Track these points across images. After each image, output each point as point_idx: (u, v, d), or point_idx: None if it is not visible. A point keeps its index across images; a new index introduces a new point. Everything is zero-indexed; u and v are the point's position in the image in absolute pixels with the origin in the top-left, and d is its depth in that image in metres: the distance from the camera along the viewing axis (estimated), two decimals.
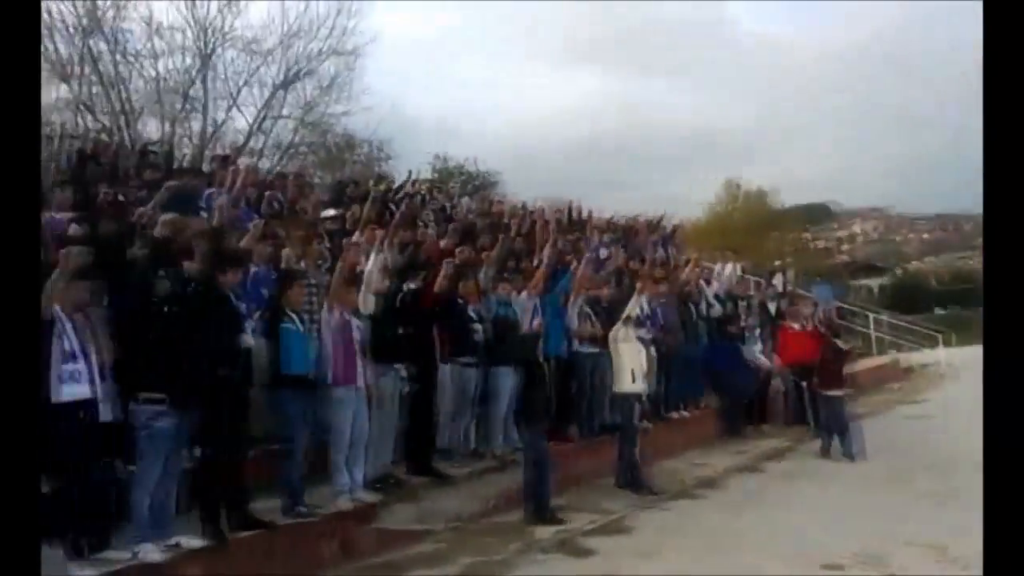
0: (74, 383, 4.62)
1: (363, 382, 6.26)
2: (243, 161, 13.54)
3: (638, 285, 9.86)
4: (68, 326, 4.69)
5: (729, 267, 13.91)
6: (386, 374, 6.58)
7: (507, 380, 7.73)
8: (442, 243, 8.98)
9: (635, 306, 8.73)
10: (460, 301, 7.65)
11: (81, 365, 4.67)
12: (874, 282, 31.75)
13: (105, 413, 4.77)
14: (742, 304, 12.50)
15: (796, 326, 12.00)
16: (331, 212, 8.82)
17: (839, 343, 10.46)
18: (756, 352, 11.65)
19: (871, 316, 20.51)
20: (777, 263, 19.39)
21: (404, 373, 6.83)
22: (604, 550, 6.37)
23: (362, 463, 6.30)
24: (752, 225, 38.02)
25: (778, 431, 11.65)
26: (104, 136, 13.33)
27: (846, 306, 22.63)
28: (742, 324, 11.66)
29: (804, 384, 11.49)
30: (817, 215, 49.09)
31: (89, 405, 4.67)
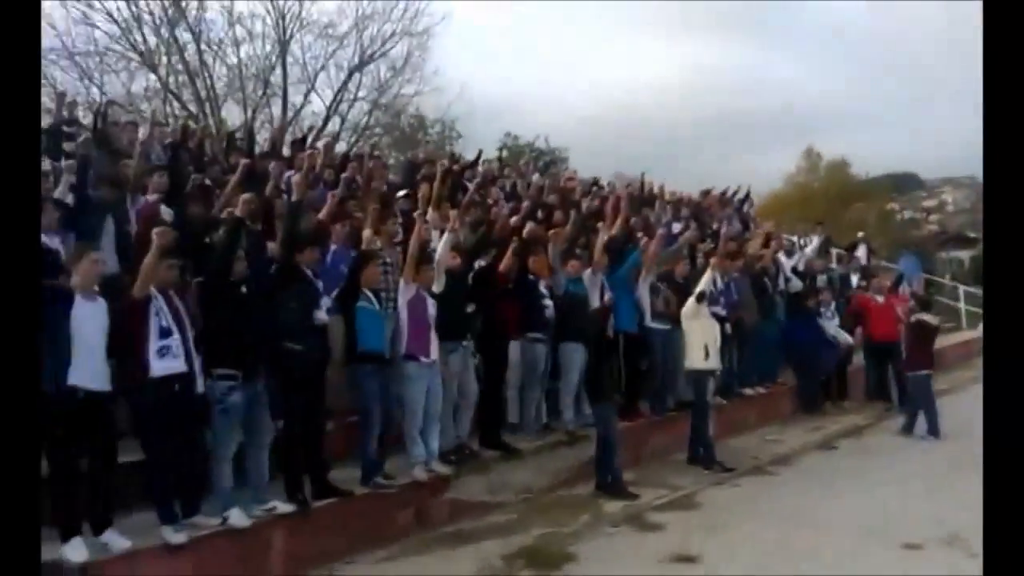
0: (170, 357, 4.88)
1: (435, 357, 6.44)
2: (320, 143, 13.89)
3: (711, 261, 9.76)
4: (163, 303, 4.95)
5: (815, 240, 13.51)
6: (456, 350, 6.73)
7: (576, 356, 7.77)
8: (513, 220, 9.05)
9: (708, 282, 8.64)
10: (531, 277, 7.72)
11: (176, 340, 4.92)
12: (964, 254, 30.19)
13: (200, 385, 5.05)
14: (822, 278, 12.17)
15: (880, 299, 11.60)
16: (402, 191, 9.00)
17: (928, 319, 10.04)
18: (836, 327, 11.33)
19: (961, 289, 19.57)
20: (860, 235, 18.64)
21: (473, 348, 6.96)
22: (673, 525, 6.41)
23: (436, 435, 6.48)
24: (833, 195, 36.75)
25: (858, 408, 11.34)
26: (191, 122, 13.88)
27: (934, 279, 21.71)
28: (821, 298, 11.35)
29: (888, 361, 11.16)
30: (904, 184, 46.79)
31: (184, 378, 4.94)
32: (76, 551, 4.38)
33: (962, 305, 19.21)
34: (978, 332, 18.75)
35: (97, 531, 4.57)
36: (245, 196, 5.50)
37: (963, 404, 10.65)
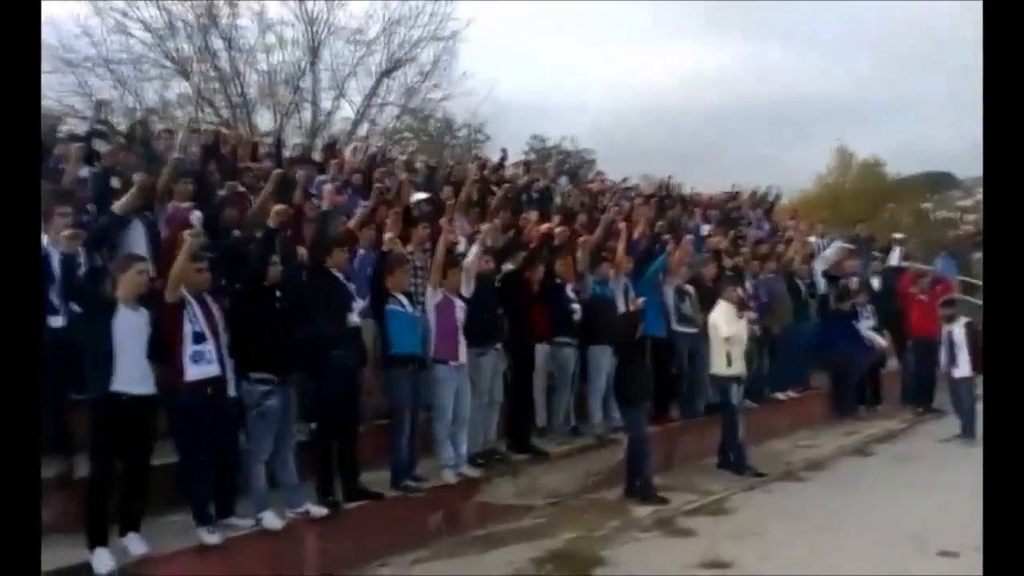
0: (204, 363, 4.96)
1: (464, 360, 6.46)
2: (349, 149, 14.02)
3: (740, 263, 9.68)
4: (197, 308, 5.03)
5: (836, 244, 13.34)
6: (485, 353, 6.75)
7: (604, 358, 7.76)
8: (541, 225, 9.05)
9: (734, 288, 8.52)
10: (558, 281, 7.72)
11: (210, 345, 5.00)
12: None
13: (231, 389, 5.13)
14: (854, 280, 11.99)
15: (924, 298, 11.40)
16: (422, 195, 9.04)
17: (970, 320, 9.82)
18: (870, 328, 11.16)
19: None
20: (895, 236, 18.32)
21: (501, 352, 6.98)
22: (703, 531, 6.36)
23: (465, 438, 6.51)
24: (866, 195, 36.15)
25: (893, 411, 11.17)
26: (224, 128, 14.09)
27: (970, 280, 21.26)
28: (856, 300, 11.19)
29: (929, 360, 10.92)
30: (939, 183, 45.83)
31: (217, 382, 5.02)
32: (102, 562, 4.45)
33: None
34: None
35: (124, 533, 4.65)
36: (277, 208, 5.56)
37: None
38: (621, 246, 8.34)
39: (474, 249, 6.83)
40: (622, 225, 8.81)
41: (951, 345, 9.86)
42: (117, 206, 6.08)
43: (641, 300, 7.80)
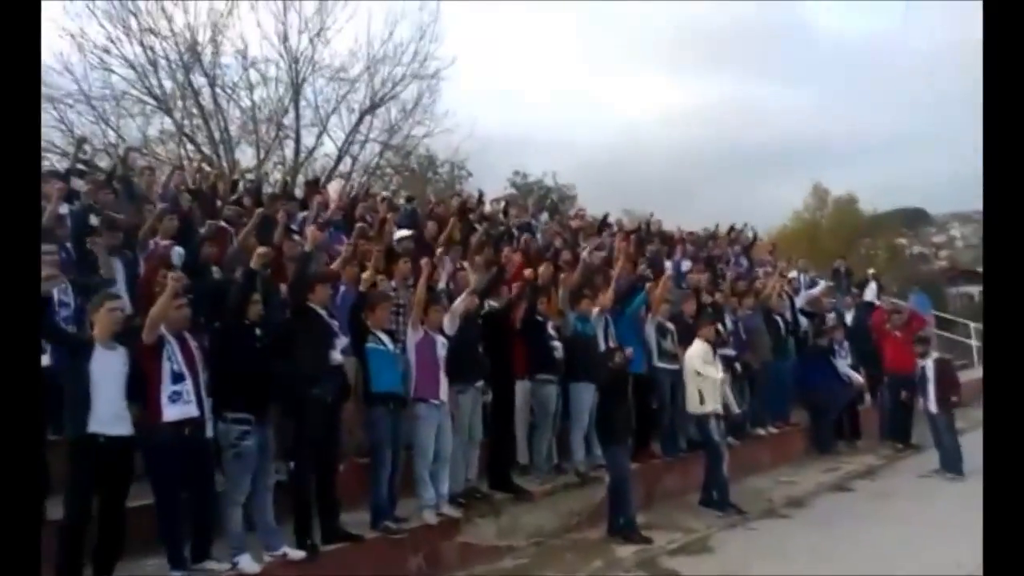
0: (181, 403, 4.91)
1: (444, 398, 6.43)
2: (332, 186, 14.07)
3: (719, 300, 9.77)
4: (176, 346, 4.99)
5: (821, 284, 13.51)
6: (465, 391, 6.72)
7: (586, 395, 7.76)
8: (524, 267, 9.10)
9: (711, 326, 8.58)
10: (539, 319, 7.74)
11: (188, 385, 4.95)
12: (974, 289, 29.99)
13: (210, 429, 5.07)
14: (831, 316, 12.13)
15: (899, 334, 11.54)
16: (404, 232, 9.09)
17: (947, 357, 9.95)
18: (847, 365, 11.27)
19: (972, 326, 19.42)
20: (870, 271, 18.60)
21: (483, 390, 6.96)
22: (687, 570, 6.32)
23: (446, 477, 6.46)
24: (842, 231, 36.74)
25: (871, 447, 11.23)
26: (205, 165, 14.09)
27: (945, 315, 21.55)
28: (833, 336, 11.31)
29: (906, 397, 11.02)
30: (913, 220, 46.81)
31: (195, 423, 4.96)
32: None
33: (974, 342, 19.04)
34: None
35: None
36: (260, 250, 5.57)
37: (979, 443, 10.50)
38: (610, 290, 8.38)
39: (464, 294, 6.85)
40: (614, 271, 8.84)
41: (924, 380, 9.97)
42: (96, 242, 6.08)
43: (628, 350, 7.77)
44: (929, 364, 9.99)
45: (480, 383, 6.91)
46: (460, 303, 6.73)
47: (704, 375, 8.16)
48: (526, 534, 6.95)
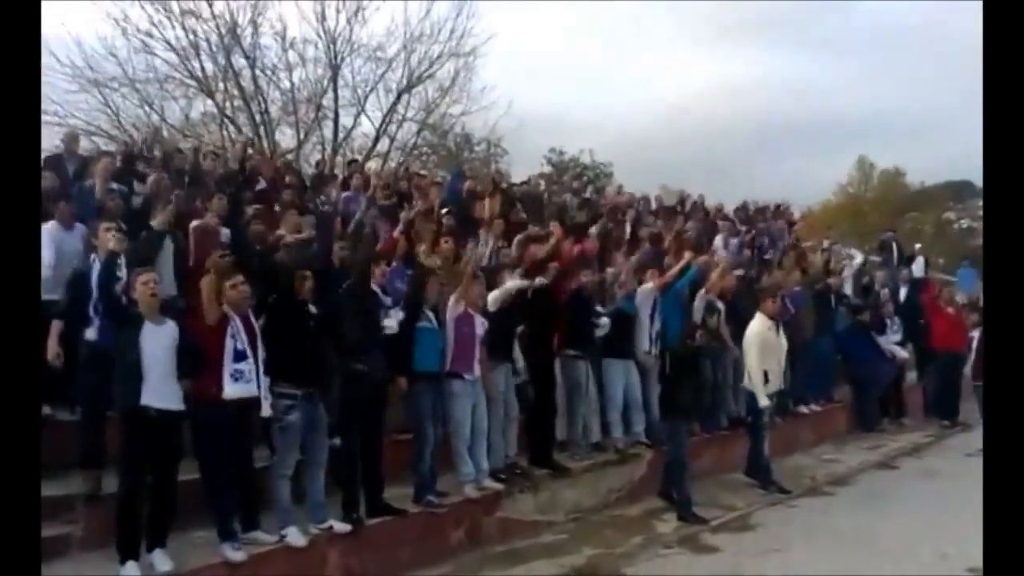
0: (243, 381, 4.99)
1: (479, 374, 6.44)
2: (371, 165, 14.15)
3: (771, 277, 9.67)
4: (240, 326, 5.06)
5: (859, 257, 13.23)
6: (496, 368, 6.72)
7: (617, 372, 7.78)
8: (556, 237, 9.09)
9: (773, 301, 8.45)
10: (583, 295, 7.71)
11: (249, 364, 5.03)
12: None
13: (266, 409, 5.15)
14: (881, 291, 11.90)
15: (951, 310, 11.28)
16: (446, 210, 9.13)
17: None
18: (892, 342, 11.06)
19: None
20: (917, 246, 18.16)
21: (518, 366, 6.97)
22: (727, 547, 6.32)
23: (484, 453, 6.51)
24: (888, 205, 35.90)
25: (917, 425, 11.04)
26: (248, 148, 14.25)
27: None
28: (883, 311, 11.10)
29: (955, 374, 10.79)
30: (961, 192, 45.35)
31: (252, 402, 5.06)
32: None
33: None
34: None
35: (150, 548, 4.70)
36: (289, 216, 5.61)
37: None
38: (676, 269, 8.39)
39: (512, 281, 6.86)
40: (688, 256, 8.77)
41: (976, 352, 9.75)
42: (156, 222, 6.23)
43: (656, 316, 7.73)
44: (977, 335, 9.74)
45: (512, 361, 6.90)
46: (502, 292, 6.71)
47: (768, 353, 7.96)
48: (565, 510, 7.01)
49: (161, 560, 4.67)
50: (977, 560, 5.65)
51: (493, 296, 6.65)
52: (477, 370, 6.42)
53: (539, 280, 7.41)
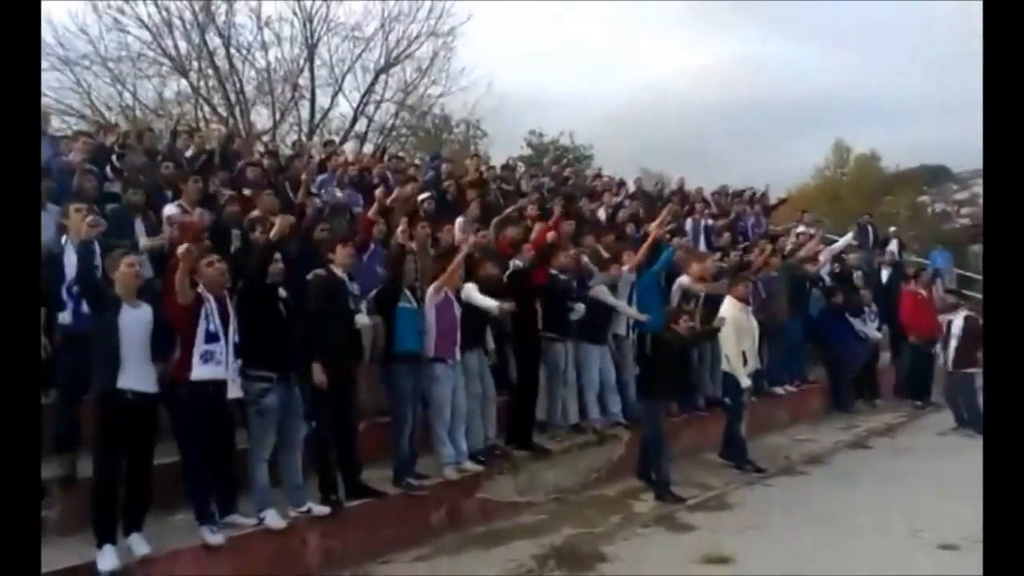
0: (212, 363, 4.93)
1: (459, 358, 6.46)
2: (348, 146, 14.03)
3: (741, 260, 9.74)
4: (214, 307, 5.00)
5: (845, 238, 13.34)
6: (471, 351, 6.70)
7: (594, 355, 7.82)
8: (532, 220, 9.09)
9: (744, 285, 8.51)
10: (562, 277, 7.72)
11: (220, 346, 4.97)
12: None
13: (234, 391, 5.07)
14: (858, 274, 12.02)
15: (923, 293, 11.44)
16: (425, 194, 9.07)
17: (973, 315, 9.81)
18: (866, 323, 11.20)
19: None
20: (892, 229, 18.37)
21: (490, 348, 6.98)
22: (704, 525, 6.40)
23: (463, 435, 6.53)
24: (864, 189, 36.24)
25: (891, 406, 11.22)
26: (222, 127, 14.09)
27: (966, 273, 21.30)
28: (862, 295, 11.23)
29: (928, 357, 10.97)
30: (935, 177, 45.85)
31: (218, 384, 4.98)
32: (107, 560, 4.47)
33: None
34: None
35: (127, 532, 4.66)
36: (281, 218, 5.55)
37: None
38: (648, 243, 8.42)
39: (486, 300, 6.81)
40: (657, 232, 8.81)
41: (948, 337, 9.87)
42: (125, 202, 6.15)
43: (684, 318, 7.71)
44: (957, 321, 9.87)
45: (485, 343, 6.90)
46: (473, 301, 6.69)
47: (743, 336, 8.06)
48: (545, 490, 7.05)
49: (138, 543, 4.63)
50: (948, 536, 5.81)
51: (467, 294, 6.62)
52: (458, 354, 6.43)
53: (514, 263, 7.41)
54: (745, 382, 8.05)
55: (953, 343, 9.74)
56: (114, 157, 8.27)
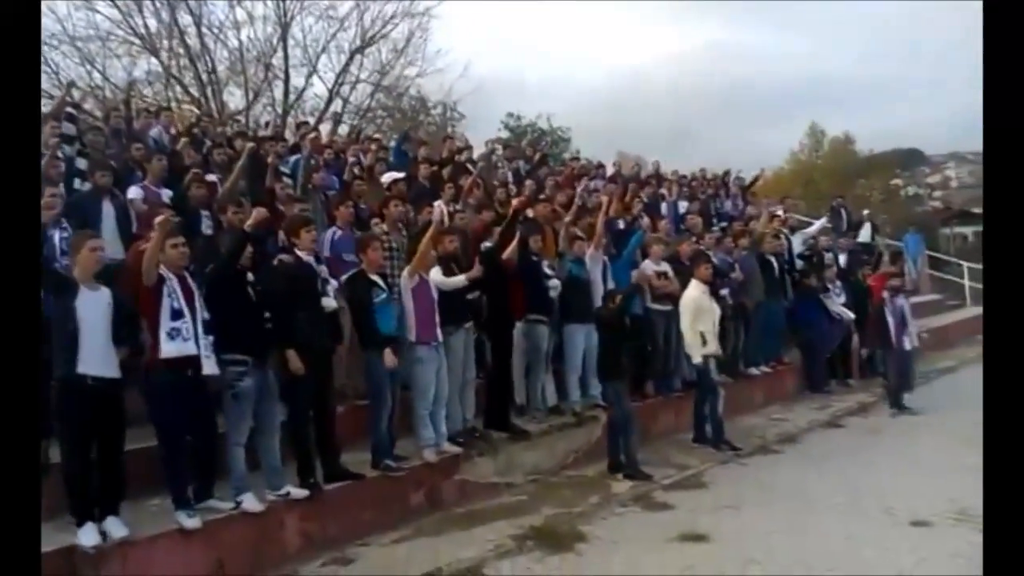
0: (180, 340, 4.86)
1: (441, 339, 6.46)
2: (324, 127, 13.86)
3: (714, 241, 9.79)
4: (176, 285, 4.93)
5: (820, 221, 13.45)
6: (455, 333, 6.72)
7: (578, 337, 7.83)
8: (515, 203, 9.05)
9: (706, 267, 8.56)
10: (535, 259, 7.73)
11: (187, 323, 4.90)
12: (968, 230, 29.95)
13: (209, 367, 5.00)
14: (828, 255, 12.14)
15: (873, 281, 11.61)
16: (397, 175, 8.99)
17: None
18: (839, 304, 11.33)
19: (965, 266, 19.49)
20: (865, 212, 18.59)
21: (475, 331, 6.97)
22: (681, 504, 6.46)
23: (443, 417, 6.53)
24: (838, 172, 36.60)
25: (864, 386, 11.39)
26: (193, 107, 13.85)
27: (938, 255, 21.63)
28: (825, 276, 11.35)
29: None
30: (908, 160, 46.45)
31: (193, 361, 4.93)
32: (88, 536, 4.46)
33: (967, 282, 19.15)
34: (982, 309, 18.69)
35: (103, 517, 4.61)
36: (256, 211, 5.47)
37: (968, 381, 10.68)
38: (600, 225, 8.36)
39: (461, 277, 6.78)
40: (603, 198, 8.85)
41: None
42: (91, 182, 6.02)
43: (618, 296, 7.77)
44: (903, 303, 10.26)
45: (469, 324, 6.91)
46: (443, 283, 6.66)
47: (703, 316, 8.15)
48: (524, 472, 7.08)
49: (116, 526, 4.59)
50: (921, 513, 5.93)
51: (433, 280, 6.59)
52: (440, 335, 6.42)
53: (484, 245, 7.39)
54: (696, 359, 8.14)
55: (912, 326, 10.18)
56: (64, 120, 8.12)
